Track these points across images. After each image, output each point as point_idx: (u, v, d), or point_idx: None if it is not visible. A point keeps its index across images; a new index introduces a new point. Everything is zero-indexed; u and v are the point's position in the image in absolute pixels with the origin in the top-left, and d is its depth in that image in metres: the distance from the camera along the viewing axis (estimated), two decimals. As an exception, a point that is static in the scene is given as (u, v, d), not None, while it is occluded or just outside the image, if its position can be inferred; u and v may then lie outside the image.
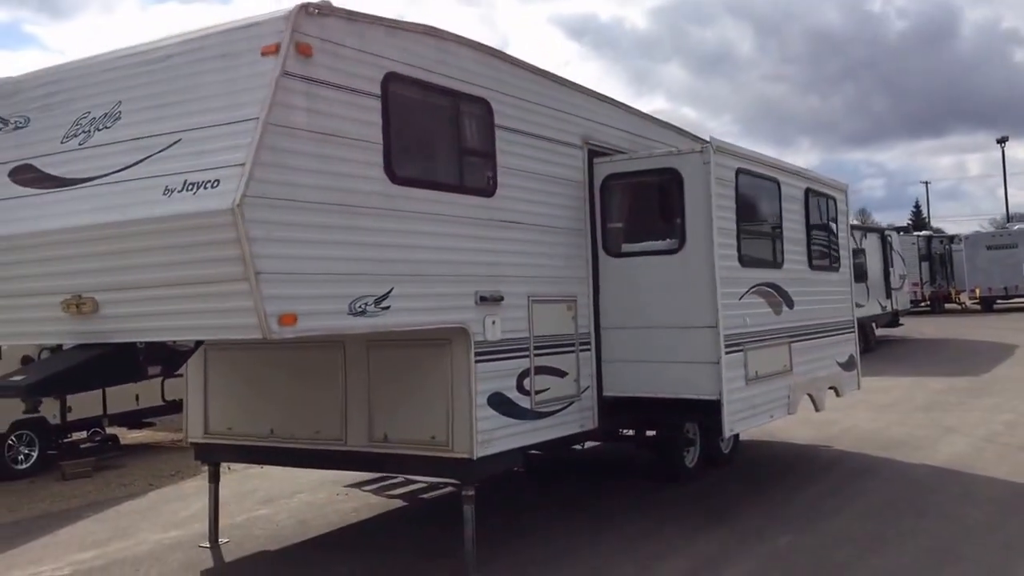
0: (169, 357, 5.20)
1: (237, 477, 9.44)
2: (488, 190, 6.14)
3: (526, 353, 6.42)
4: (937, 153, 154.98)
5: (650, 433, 8.61)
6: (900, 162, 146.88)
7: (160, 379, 10.83)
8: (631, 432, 8.63)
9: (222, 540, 6.96)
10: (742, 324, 7.36)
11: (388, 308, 5.18)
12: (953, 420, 11.72)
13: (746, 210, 7.68)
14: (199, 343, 5.64)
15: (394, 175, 5.28)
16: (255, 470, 9.56)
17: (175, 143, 4.64)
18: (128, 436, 12.28)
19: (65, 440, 10.84)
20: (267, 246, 4.39)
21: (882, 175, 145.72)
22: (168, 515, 7.97)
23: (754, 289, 7.71)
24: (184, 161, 4.58)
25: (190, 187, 4.45)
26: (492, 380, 6.02)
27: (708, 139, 7.33)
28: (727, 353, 7.01)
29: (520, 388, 6.32)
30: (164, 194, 4.55)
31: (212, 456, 6.88)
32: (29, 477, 9.85)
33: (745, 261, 7.54)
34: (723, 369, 6.93)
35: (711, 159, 7.05)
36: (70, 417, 10.50)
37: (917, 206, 75.38)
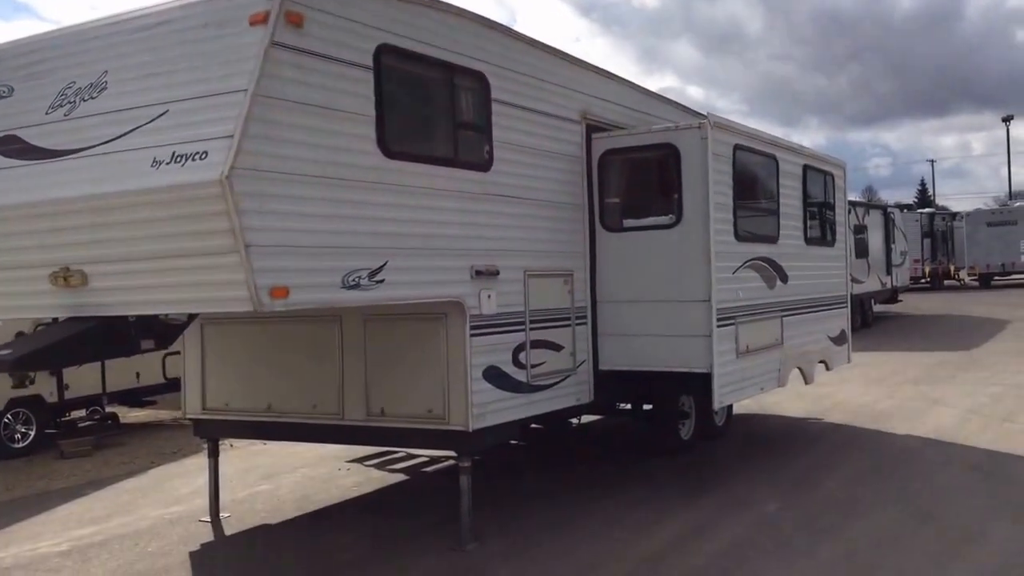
0: (162, 331, 5.18)
1: (240, 454, 9.50)
2: (484, 165, 6.14)
3: (522, 327, 6.45)
4: (942, 132, 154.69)
5: (647, 407, 8.68)
6: (906, 141, 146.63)
7: (161, 356, 10.87)
8: (628, 405, 8.71)
9: (223, 515, 7.02)
10: (735, 298, 7.40)
11: (382, 282, 5.20)
12: (941, 393, 11.85)
13: (743, 186, 7.69)
14: (192, 316, 5.66)
15: (388, 149, 5.27)
16: (257, 446, 9.64)
17: (162, 114, 4.62)
18: (129, 415, 12.34)
19: (63, 418, 10.88)
20: (257, 218, 4.39)
21: (888, 154, 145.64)
22: (169, 491, 8.03)
23: (749, 263, 7.74)
24: (172, 132, 4.55)
25: (178, 159, 4.44)
26: (488, 354, 6.06)
27: (706, 115, 7.33)
28: (719, 327, 7.05)
29: (516, 362, 6.36)
30: (152, 166, 4.53)
31: (210, 432, 6.92)
32: (27, 456, 9.89)
33: (741, 236, 7.56)
34: (714, 342, 6.98)
35: (709, 135, 7.05)
36: (68, 395, 10.52)
37: (923, 184, 75.40)
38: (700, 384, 7.20)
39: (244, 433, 6.82)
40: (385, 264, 5.23)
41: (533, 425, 7.55)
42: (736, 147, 7.53)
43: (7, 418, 9.94)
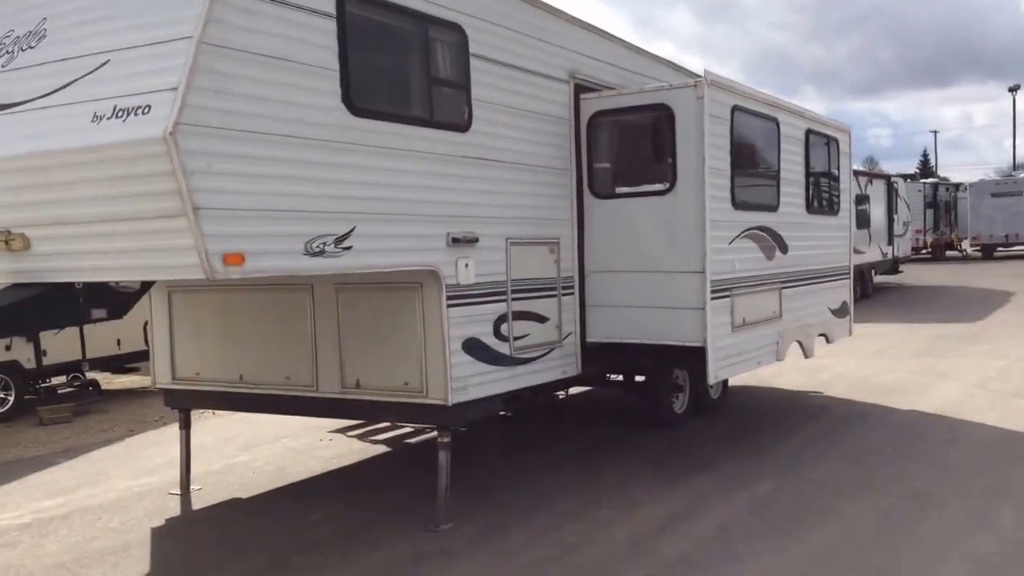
0: (114, 300, 4.87)
1: (221, 423, 9.27)
2: (462, 125, 5.78)
3: (503, 297, 6.14)
4: (944, 103, 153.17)
5: (639, 378, 8.41)
6: (907, 112, 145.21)
7: (143, 323, 10.62)
8: (619, 377, 8.44)
9: (194, 487, 6.78)
10: (731, 269, 7.07)
11: (350, 248, 4.88)
12: (946, 366, 11.55)
13: (741, 150, 7.32)
14: (146, 284, 5.35)
15: (354, 106, 4.92)
16: (239, 415, 9.38)
17: (104, 64, 4.27)
18: (113, 381, 12.11)
19: (43, 385, 10.64)
20: (207, 179, 4.06)
21: (888, 125, 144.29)
22: (144, 461, 7.80)
23: (746, 233, 7.39)
24: (114, 84, 4.20)
25: (120, 113, 4.10)
26: (466, 325, 5.76)
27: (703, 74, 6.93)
28: (713, 299, 6.73)
29: (497, 333, 6.06)
30: (93, 121, 4.18)
31: (181, 402, 6.66)
32: (6, 422, 9.67)
33: (738, 204, 7.20)
34: (708, 315, 6.67)
35: (705, 94, 6.67)
36: (46, 361, 10.28)
37: (925, 155, 74.79)
38: (695, 357, 6.89)
39: (215, 404, 6.56)
40: (353, 230, 4.90)
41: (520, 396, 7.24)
42: (734, 108, 7.15)
43: (-16, 384, 9.72)
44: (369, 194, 5.03)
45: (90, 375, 11.21)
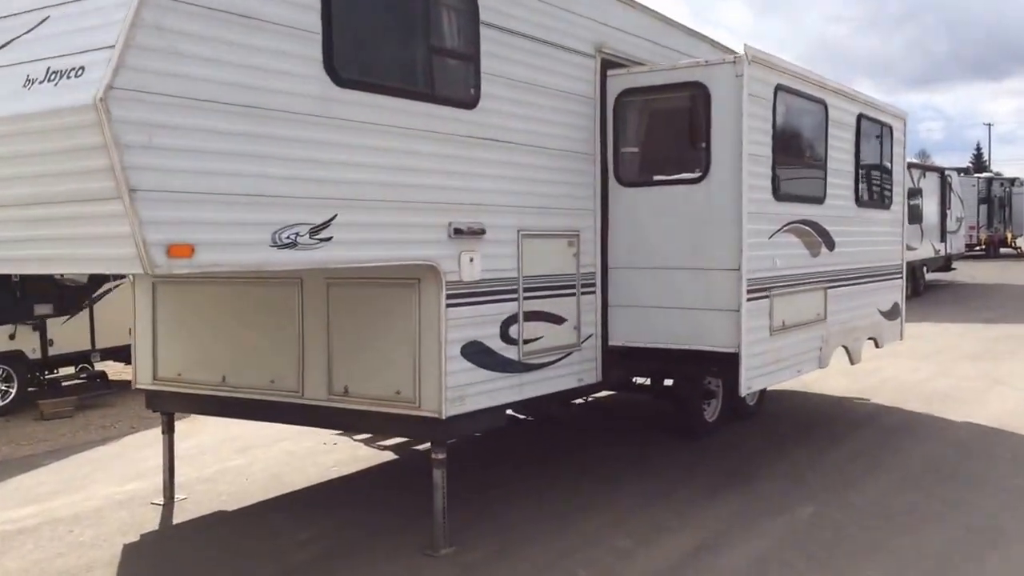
0: (61, 294, 4.32)
1: (222, 421, 8.71)
2: (468, 101, 5.15)
3: (514, 296, 5.50)
4: (998, 96, 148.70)
5: (668, 382, 7.74)
6: (960, 105, 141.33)
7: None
8: (646, 381, 7.77)
9: (179, 496, 6.26)
10: (770, 266, 6.35)
11: (329, 240, 4.28)
12: (1003, 371, 10.71)
13: (785, 134, 6.58)
14: (95, 278, 4.79)
15: (338, 76, 4.32)
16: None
17: (43, 21, 3.71)
18: (124, 373, 11.70)
19: (48, 376, 10.26)
20: (146, 155, 3.48)
21: (941, 118, 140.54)
22: (135, 464, 7.31)
23: (788, 227, 6.66)
24: (50, 44, 3.64)
25: (52, 76, 3.54)
26: (469, 327, 5.14)
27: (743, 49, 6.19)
28: (750, 300, 6.03)
29: (505, 336, 5.43)
30: (24, 86, 3.63)
31: (162, 405, 6.13)
32: (6, 416, 9.28)
33: (780, 195, 6.47)
34: (744, 318, 5.97)
35: (744, 72, 5.95)
36: (52, 351, 9.87)
37: (978, 149, 72.47)
38: (727, 364, 6.20)
39: (197, 408, 6.03)
40: (333, 219, 4.30)
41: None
42: (778, 88, 6.41)
43: (-15, 375, 9.34)
44: (354, 177, 4.42)
45: (100, 366, 10.78)
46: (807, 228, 6.92)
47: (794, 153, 6.95)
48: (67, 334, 10.00)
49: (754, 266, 6.06)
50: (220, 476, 6.87)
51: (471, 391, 5.15)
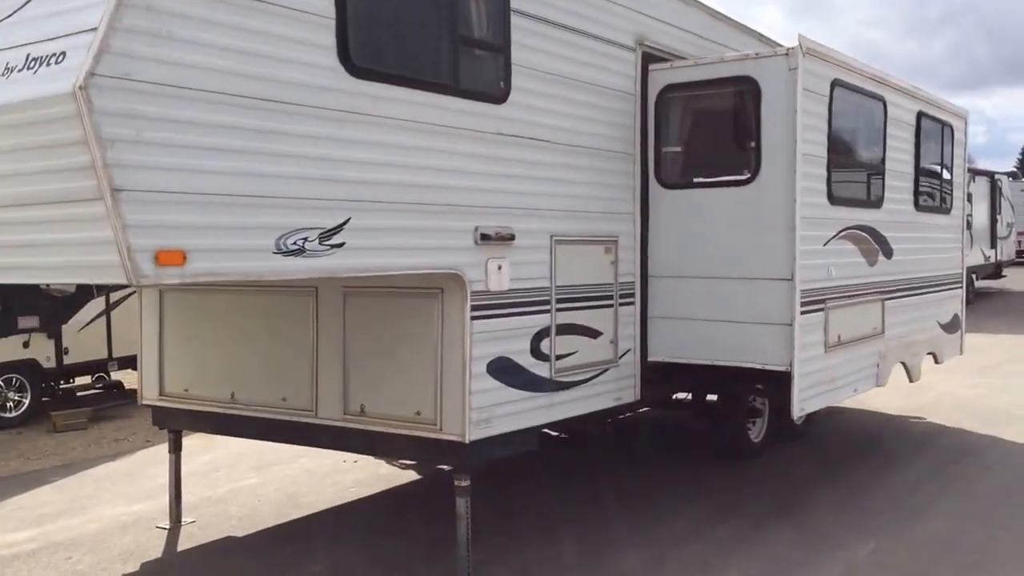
0: (47, 305, 3.93)
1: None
2: (497, 95, 4.70)
3: (546, 307, 5.04)
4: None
5: (710, 397, 7.23)
6: (1001, 109, 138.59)
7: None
8: (686, 396, 7.26)
9: (187, 520, 5.86)
10: (825, 276, 5.83)
11: (341, 246, 3.85)
12: (1068, 388, 10.01)
13: (841, 133, 6.06)
14: (83, 288, 4.40)
15: (354, 66, 3.90)
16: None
17: (25, 4, 3.34)
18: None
19: (64, 386, 9.96)
20: (133, 151, 3.08)
21: (983, 121, 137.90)
22: (145, 482, 6.93)
23: (844, 233, 6.13)
24: (32, 28, 3.28)
25: (32, 63, 3.17)
26: (496, 342, 4.68)
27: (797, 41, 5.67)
28: (804, 312, 5.51)
29: (536, 352, 4.97)
30: (3, 75, 3.27)
31: (169, 422, 5.73)
32: (19, 428, 8.98)
33: (835, 198, 5.96)
34: (797, 333, 5.45)
35: (799, 65, 5.44)
36: (68, 360, 9.55)
37: (1023, 152, 70.69)
38: (777, 383, 5.69)
39: (204, 426, 5.62)
40: (346, 222, 3.87)
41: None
42: (834, 83, 5.90)
43: (-2, 384, 9.04)
44: (370, 177, 3.99)
45: (117, 375, 10.48)
46: (864, 234, 6.39)
47: (850, 154, 6.43)
48: (83, 342, 9.69)
49: (808, 276, 5.55)
50: (232, 496, 6.47)
51: (498, 412, 4.69)
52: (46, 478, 7.09)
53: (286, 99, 3.62)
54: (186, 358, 5.53)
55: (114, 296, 9.71)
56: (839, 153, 6.02)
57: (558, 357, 5.13)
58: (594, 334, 5.46)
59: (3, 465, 7.58)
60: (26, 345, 9.21)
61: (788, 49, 5.55)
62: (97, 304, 9.74)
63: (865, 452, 7.62)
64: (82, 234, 3.16)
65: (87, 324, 9.77)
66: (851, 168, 6.41)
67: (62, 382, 9.94)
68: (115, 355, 10.07)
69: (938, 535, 5.53)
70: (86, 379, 10.32)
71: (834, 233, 5.97)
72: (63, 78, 3.00)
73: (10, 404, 9.12)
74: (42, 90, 3.07)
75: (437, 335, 4.55)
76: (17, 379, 9.16)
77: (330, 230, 3.81)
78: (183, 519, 5.82)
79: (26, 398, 9.22)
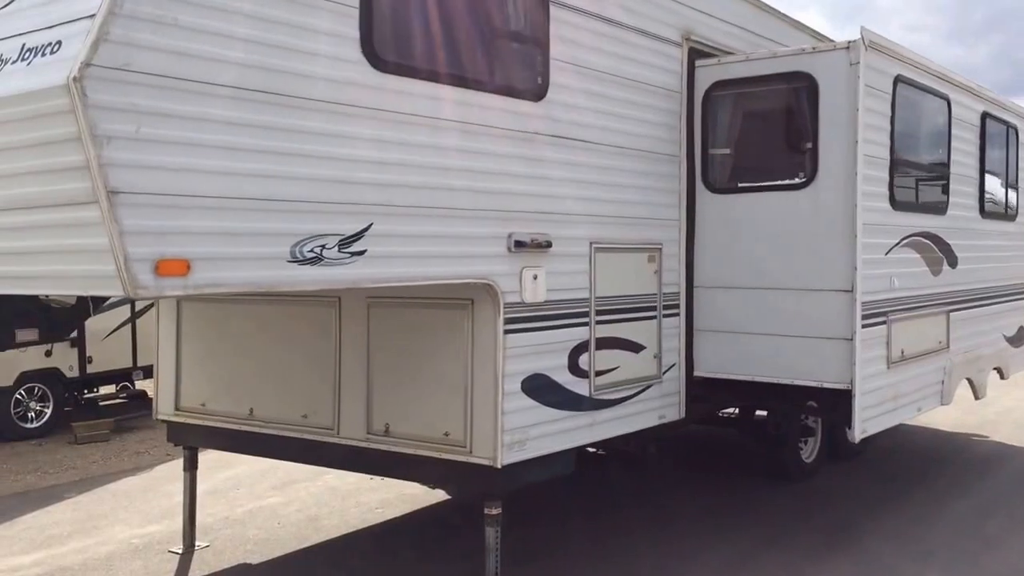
0: (48, 317, 3.65)
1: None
2: (534, 92, 4.35)
3: (585, 320, 4.67)
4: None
5: (760, 413, 6.80)
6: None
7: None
8: (733, 411, 6.84)
9: (201, 544, 5.54)
10: (887, 287, 5.39)
11: (362, 254, 3.51)
12: None
13: (904, 134, 5.61)
14: (84, 299, 4.10)
15: (377, 58, 3.57)
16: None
17: None
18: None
19: (87, 396, 9.75)
20: (132, 149, 2.76)
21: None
22: (162, 500, 6.64)
23: (907, 241, 5.68)
24: (28, 17, 3.01)
25: (27, 54, 2.89)
26: (531, 357, 4.32)
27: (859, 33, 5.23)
28: (865, 326, 5.07)
29: (574, 368, 4.60)
30: None
31: (184, 438, 5.43)
32: (40, 438, 8.77)
33: (898, 203, 5.51)
34: (858, 348, 5.01)
35: (861, 59, 5.02)
36: (91, 369, 9.36)
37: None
38: (835, 404, 5.26)
39: (220, 444, 5.32)
40: (368, 228, 3.54)
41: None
42: (897, 79, 5.46)
43: (19, 394, 8.83)
44: (395, 179, 3.65)
45: (142, 385, 10.26)
46: (927, 242, 5.94)
47: (913, 156, 5.97)
48: (107, 351, 9.50)
49: (870, 287, 5.11)
50: (250, 517, 6.15)
51: (533, 433, 4.32)
52: (61, 494, 6.83)
53: (303, 94, 3.30)
54: (204, 371, 5.23)
55: (140, 303, 9.50)
56: (902, 155, 5.58)
57: (598, 373, 4.75)
58: (636, 348, 5.07)
59: (19, 479, 7.35)
60: (48, 354, 9.02)
61: (849, 42, 5.12)
62: (122, 311, 9.55)
63: (925, 474, 7.13)
64: (74, 240, 2.85)
65: (112, 332, 9.58)
66: (914, 171, 5.97)
67: (85, 391, 9.74)
68: (140, 364, 9.87)
69: (1009, 569, 5.05)
70: (110, 388, 10.12)
71: (896, 241, 5.52)
72: (57, 69, 2.71)
73: (32, 414, 8.92)
74: (34, 82, 2.78)
75: (467, 350, 4.20)
76: (40, 388, 8.97)
77: (350, 237, 3.47)
78: (197, 543, 5.51)
79: (48, 408, 9.02)
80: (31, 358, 8.83)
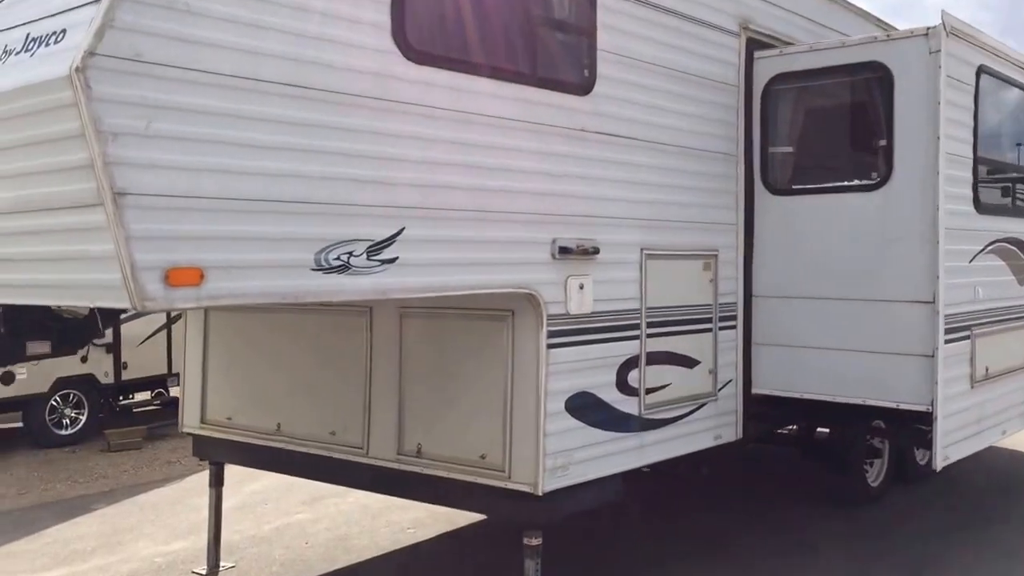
0: (60, 328, 3.39)
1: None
2: (580, 85, 3.99)
3: (635, 333, 4.29)
4: None
5: (821, 430, 6.34)
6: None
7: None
8: (793, 430, 6.38)
9: (225, 564, 5.27)
10: (972, 298, 4.92)
11: (393, 261, 3.18)
12: None
13: (987, 130, 5.15)
14: (95, 310, 3.84)
15: (412, 49, 3.25)
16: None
17: None
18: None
19: (121, 402, 9.61)
20: (140, 146, 2.48)
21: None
22: (190, 513, 6.39)
23: (992, 247, 5.21)
24: (35, 4, 2.75)
25: (31, 44, 2.65)
26: (577, 373, 3.96)
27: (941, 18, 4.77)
28: (948, 341, 4.62)
29: (622, 385, 4.22)
30: (0, 58, 2.74)
31: (209, 453, 5.16)
32: (74, 445, 8.63)
33: (983, 206, 5.05)
34: (940, 365, 4.56)
35: (942, 47, 4.57)
36: (127, 375, 9.22)
37: None
38: (912, 427, 4.84)
39: (247, 459, 5.03)
40: (399, 233, 3.21)
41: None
42: (980, 70, 5.00)
43: (55, 400, 8.70)
44: (428, 180, 3.32)
45: (176, 391, 10.08)
46: (1014, 248, 5.45)
47: (998, 154, 5.50)
48: (142, 357, 9.35)
49: (953, 297, 4.66)
50: (278, 536, 5.87)
51: (577, 457, 3.96)
52: (90, 505, 6.63)
53: (329, 87, 2.98)
54: (230, 382, 4.96)
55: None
56: (986, 153, 5.11)
57: (648, 391, 4.37)
58: (690, 363, 4.68)
59: (50, 489, 7.17)
60: (84, 360, 8.88)
61: (928, 29, 4.68)
62: (158, 316, 9.39)
63: (1006, 499, 6.60)
64: (78, 247, 2.58)
65: (147, 338, 9.42)
66: (999, 171, 5.49)
67: (120, 398, 9.60)
68: (175, 370, 9.69)
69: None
70: (145, 395, 9.97)
71: (981, 247, 5.05)
72: (60, 60, 2.45)
73: (66, 421, 8.78)
74: (36, 74, 2.53)
75: (507, 365, 3.85)
76: (75, 395, 8.83)
77: (380, 242, 3.14)
78: (221, 563, 5.23)
79: (83, 415, 8.88)
80: (67, 364, 8.69)
